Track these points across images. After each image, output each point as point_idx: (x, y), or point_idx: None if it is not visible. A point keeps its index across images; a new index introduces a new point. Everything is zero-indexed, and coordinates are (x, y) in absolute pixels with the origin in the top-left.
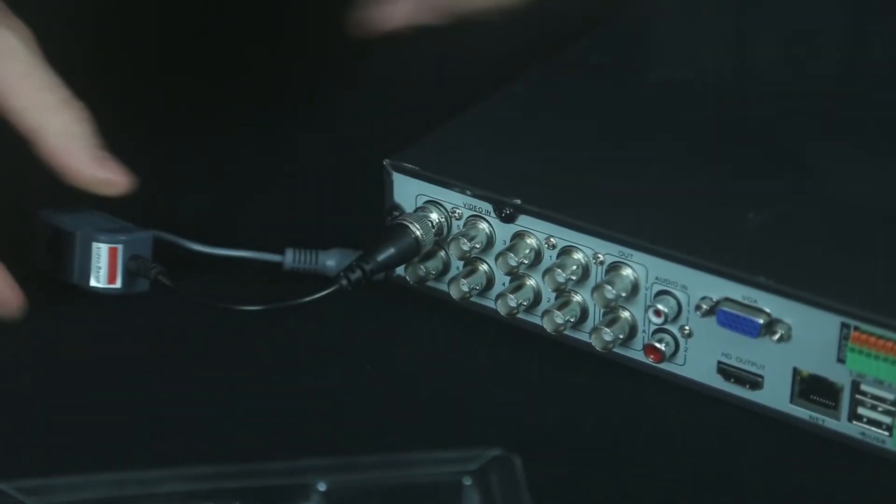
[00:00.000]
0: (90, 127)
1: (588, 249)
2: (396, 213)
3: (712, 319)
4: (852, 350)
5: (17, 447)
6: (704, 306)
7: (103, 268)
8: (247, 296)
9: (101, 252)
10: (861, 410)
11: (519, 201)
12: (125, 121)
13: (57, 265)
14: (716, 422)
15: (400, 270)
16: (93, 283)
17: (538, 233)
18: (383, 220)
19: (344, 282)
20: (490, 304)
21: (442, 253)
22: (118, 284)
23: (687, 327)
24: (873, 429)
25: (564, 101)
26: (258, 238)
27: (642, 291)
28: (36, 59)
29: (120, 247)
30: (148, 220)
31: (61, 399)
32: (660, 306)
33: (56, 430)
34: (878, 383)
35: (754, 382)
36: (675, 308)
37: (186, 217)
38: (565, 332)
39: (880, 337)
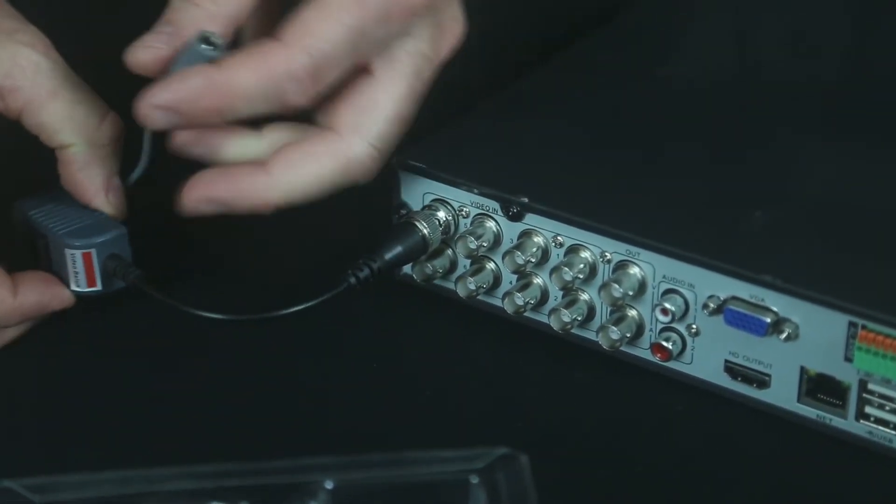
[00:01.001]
0: (122, 145)
1: (595, 248)
2: (404, 212)
3: (719, 318)
4: (860, 349)
5: (23, 445)
6: (712, 305)
7: (80, 272)
8: (251, 298)
9: (75, 257)
10: (868, 409)
11: (526, 200)
12: None
13: (40, 264)
14: (723, 421)
15: (407, 269)
16: (73, 287)
17: (545, 231)
18: (391, 219)
19: (352, 280)
20: (497, 302)
21: (449, 251)
22: (98, 287)
23: (694, 326)
24: (881, 428)
25: (571, 99)
26: (264, 237)
27: (649, 290)
28: (62, 72)
29: (93, 251)
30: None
31: (67, 397)
32: (667, 305)
33: (62, 428)
34: (886, 382)
35: (761, 381)
36: (683, 307)
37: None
38: (572, 331)
39: (888, 336)
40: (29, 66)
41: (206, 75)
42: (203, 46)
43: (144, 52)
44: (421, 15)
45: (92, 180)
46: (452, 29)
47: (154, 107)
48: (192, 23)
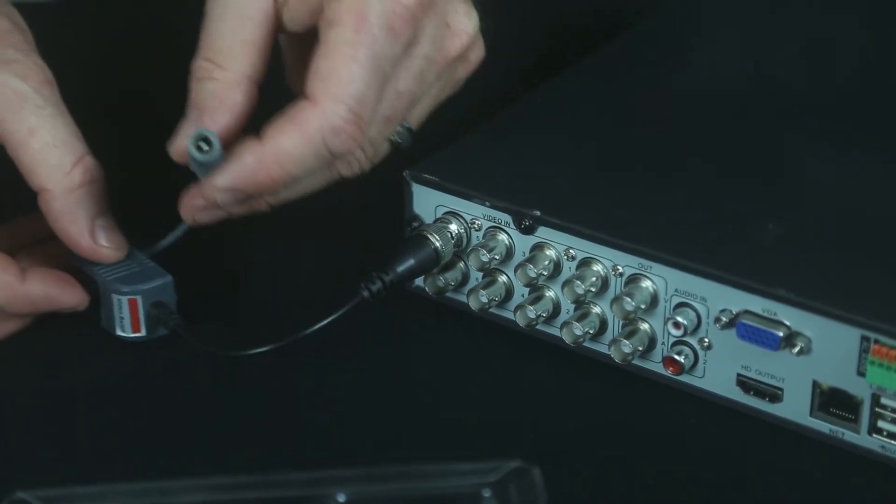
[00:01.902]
0: (100, 187)
1: (607, 261)
2: (416, 224)
3: (732, 332)
4: (872, 363)
5: (37, 457)
6: (724, 319)
7: (126, 318)
8: (265, 315)
9: (121, 303)
10: (881, 423)
11: (538, 213)
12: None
13: (92, 304)
14: (735, 434)
15: (420, 281)
16: (118, 332)
17: (557, 244)
18: (403, 231)
19: (365, 293)
20: (509, 315)
21: (461, 264)
22: (142, 332)
23: (706, 339)
24: (893, 442)
25: (583, 112)
26: (274, 252)
27: (661, 303)
28: (49, 110)
29: (139, 297)
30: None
31: (81, 409)
32: (679, 318)
33: (76, 440)
34: None
35: (774, 395)
36: (695, 320)
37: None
38: (584, 344)
39: None
40: (15, 98)
41: (253, 151)
42: (195, 151)
43: (182, 141)
44: (422, 17)
45: (73, 225)
46: (461, 26)
47: (218, 190)
48: (213, 97)
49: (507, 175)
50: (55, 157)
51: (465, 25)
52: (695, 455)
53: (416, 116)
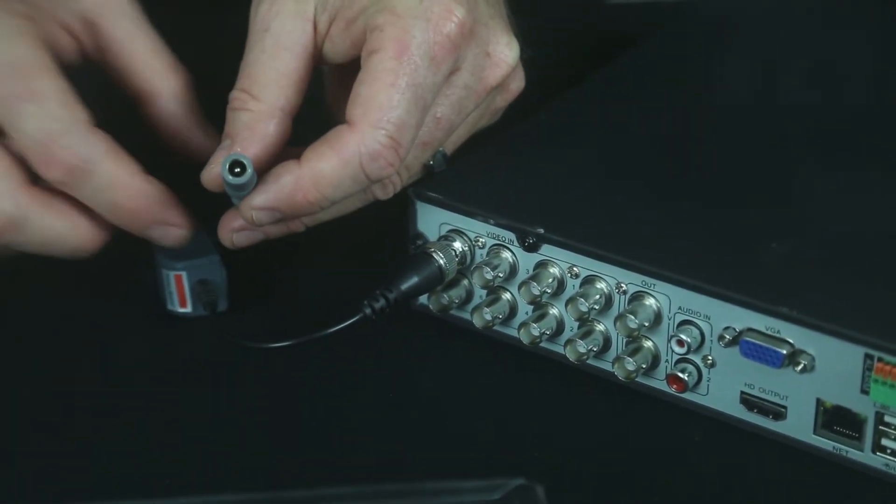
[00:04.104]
0: (196, 94)
1: (611, 279)
2: (420, 242)
3: (735, 349)
4: (876, 381)
5: (41, 474)
6: (727, 336)
7: (174, 293)
8: (266, 328)
9: (169, 277)
10: (885, 442)
11: (542, 230)
12: None
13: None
14: (739, 452)
15: (423, 299)
16: (169, 306)
17: (561, 262)
18: (407, 249)
19: (368, 310)
20: (513, 332)
21: (465, 281)
22: (188, 308)
23: (710, 357)
24: None
25: (587, 130)
26: (280, 268)
27: (665, 321)
28: (143, 20)
29: (183, 273)
30: None
31: (86, 424)
32: (683, 336)
33: (81, 456)
34: None
35: (777, 413)
36: (698, 338)
37: None
38: (588, 362)
39: None
40: (115, 5)
41: (292, 172)
42: (228, 175)
43: (215, 169)
44: (463, 46)
45: (184, 121)
46: (502, 56)
47: (255, 209)
48: (246, 128)
49: (511, 193)
50: (157, 60)
51: (505, 56)
52: (698, 472)
53: (453, 143)
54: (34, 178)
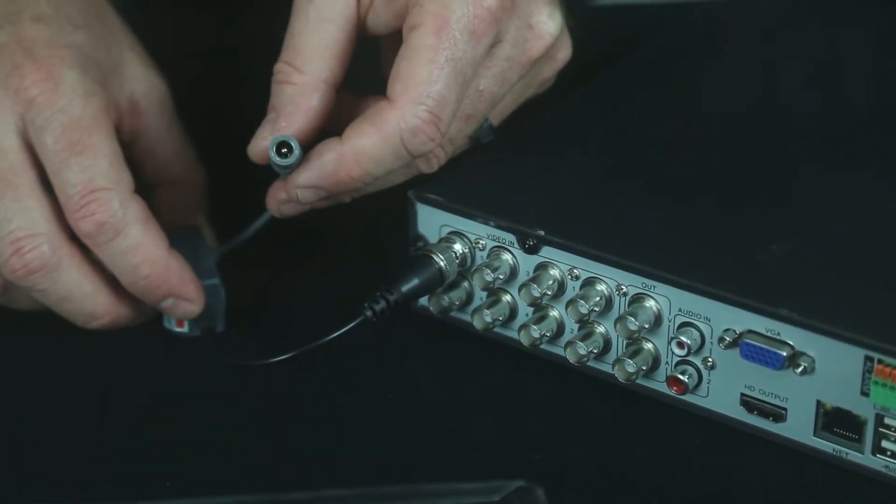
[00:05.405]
0: (200, 196)
1: (611, 281)
2: (420, 244)
3: (735, 351)
4: (876, 383)
5: (42, 477)
6: (727, 338)
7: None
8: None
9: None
10: (885, 444)
11: (542, 232)
12: None
13: None
14: (739, 454)
15: (424, 301)
16: (166, 324)
17: (561, 264)
18: (407, 251)
19: (368, 313)
20: (513, 334)
21: (465, 283)
22: (185, 329)
23: (710, 359)
24: None
25: (588, 132)
26: (279, 270)
27: (665, 323)
28: (175, 117)
29: None
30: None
31: (87, 427)
32: (683, 338)
33: (78, 460)
34: None
35: (777, 415)
36: (699, 340)
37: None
38: (588, 364)
39: None
40: (158, 96)
41: (334, 150)
42: (275, 157)
43: (261, 143)
44: (504, 19)
45: (193, 209)
46: (544, 27)
47: (300, 187)
48: (290, 102)
49: (511, 195)
50: (172, 162)
51: (547, 27)
52: (699, 474)
53: (499, 114)
54: (70, 234)
